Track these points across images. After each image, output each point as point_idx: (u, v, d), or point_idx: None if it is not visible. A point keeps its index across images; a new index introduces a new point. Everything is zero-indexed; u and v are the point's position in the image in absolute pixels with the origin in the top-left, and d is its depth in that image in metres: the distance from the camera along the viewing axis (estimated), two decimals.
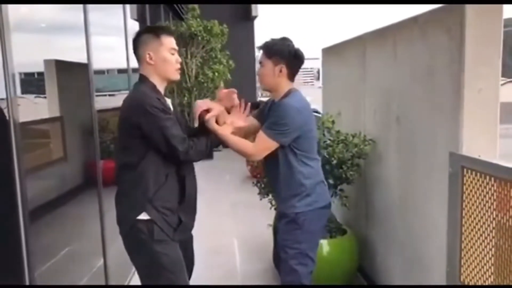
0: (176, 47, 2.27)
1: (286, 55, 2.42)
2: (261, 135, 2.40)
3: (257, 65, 2.65)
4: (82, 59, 3.33)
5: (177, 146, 2.13)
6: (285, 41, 2.46)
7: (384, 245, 3.22)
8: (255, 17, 11.62)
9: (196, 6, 9.74)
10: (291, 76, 2.47)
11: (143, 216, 2.15)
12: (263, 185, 3.60)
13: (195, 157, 2.24)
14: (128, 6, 4.63)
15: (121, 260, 3.31)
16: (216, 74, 9.64)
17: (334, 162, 3.20)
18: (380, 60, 3.16)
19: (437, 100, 2.39)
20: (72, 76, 3.56)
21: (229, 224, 5.25)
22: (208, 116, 2.28)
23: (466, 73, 2.13)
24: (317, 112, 4.67)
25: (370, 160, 3.33)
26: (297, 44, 2.52)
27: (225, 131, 2.33)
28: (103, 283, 3.27)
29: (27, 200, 2.03)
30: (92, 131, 7.97)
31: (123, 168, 2.27)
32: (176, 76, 2.29)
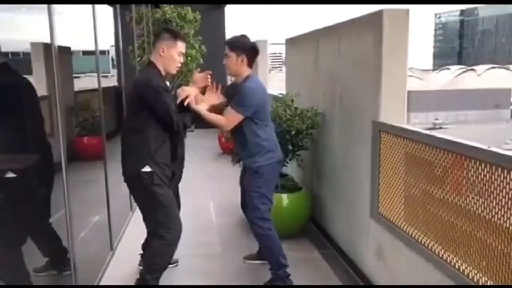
0: (184, 51, 3.02)
1: (246, 48, 3.20)
2: (230, 110, 3.19)
3: None
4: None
5: (173, 117, 2.88)
6: (244, 37, 3.26)
7: (330, 197, 4.08)
8: (226, 3, 12.26)
9: None
10: (250, 64, 3.25)
11: (146, 168, 2.90)
12: (235, 154, 4.39)
13: (182, 127, 2.97)
14: None
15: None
16: (189, 58, 10.25)
17: (293, 132, 4.01)
18: (329, 51, 3.97)
19: (366, 82, 3.22)
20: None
21: (205, 190, 6.04)
22: (187, 101, 3.02)
23: (384, 63, 2.96)
24: (281, 94, 5.46)
25: (321, 130, 4.16)
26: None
27: (203, 109, 3.11)
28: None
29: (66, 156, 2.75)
30: (72, 110, 8.48)
31: (129, 132, 3.02)
32: (174, 71, 3.05)
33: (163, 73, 3.00)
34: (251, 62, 3.25)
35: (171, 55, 2.96)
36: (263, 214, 3.24)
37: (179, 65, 3.03)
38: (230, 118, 3.17)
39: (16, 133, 2.94)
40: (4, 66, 2.98)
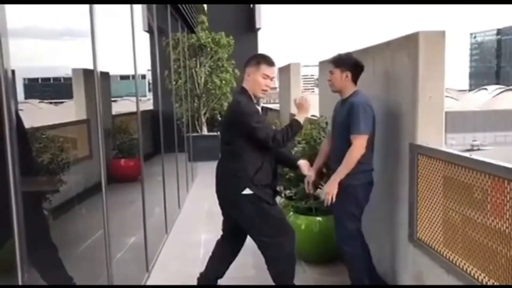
0: (272, 75, 3.11)
1: (350, 64, 3.24)
2: (356, 137, 3.06)
3: None
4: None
5: (268, 134, 2.99)
6: (348, 54, 3.32)
7: (365, 221, 3.99)
8: (259, 29, 12.44)
9: (205, 19, 10.59)
10: (355, 80, 3.26)
11: (246, 191, 3.01)
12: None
13: (280, 141, 3.03)
14: (136, 19, 5.16)
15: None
16: (223, 82, 10.46)
17: None
18: (363, 73, 3.96)
19: (401, 105, 3.20)
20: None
21: None
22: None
23: (420, 85, 2.94)
24: (313, 116, 5.46)
25: None
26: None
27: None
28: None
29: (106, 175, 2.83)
30: (110, 133, 8.73)
31: (227, 157, 3.16)
32: (260, 95, 3.16)
33: (253, 97, 3.12)
34: (356, 78, 3.26)
35: (255, 79, 3.08)
36: None
37: (266, 88, 3.12)
38: (363, 145, 3.07)
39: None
40: None
